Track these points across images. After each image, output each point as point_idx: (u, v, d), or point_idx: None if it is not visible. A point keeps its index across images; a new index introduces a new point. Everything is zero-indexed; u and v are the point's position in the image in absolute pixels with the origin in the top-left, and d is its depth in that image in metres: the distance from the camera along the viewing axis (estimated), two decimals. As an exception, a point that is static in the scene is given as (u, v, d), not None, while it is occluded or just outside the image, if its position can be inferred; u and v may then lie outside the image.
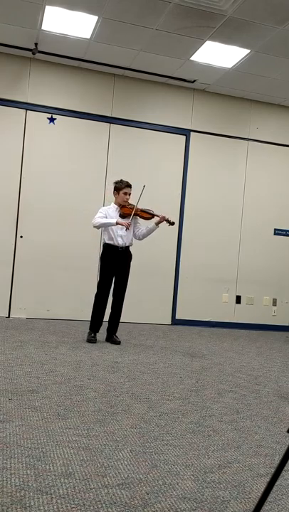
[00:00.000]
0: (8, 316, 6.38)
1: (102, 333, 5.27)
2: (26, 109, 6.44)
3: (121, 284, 5.18)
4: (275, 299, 7.52)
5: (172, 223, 5.15)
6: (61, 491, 1.94)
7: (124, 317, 6.13)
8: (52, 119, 6.55)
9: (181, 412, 3.09)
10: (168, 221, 5.11)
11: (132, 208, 5.10)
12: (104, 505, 1.86)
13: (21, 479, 2.01)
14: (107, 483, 2.05)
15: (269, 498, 2.00)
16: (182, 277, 7.08)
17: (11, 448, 2.31)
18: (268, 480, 2.19)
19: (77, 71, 6.62)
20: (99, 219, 5.03)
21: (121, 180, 5.21)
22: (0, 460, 2.17)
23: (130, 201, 5.17)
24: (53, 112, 6.55)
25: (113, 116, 6.75)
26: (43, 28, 5.52)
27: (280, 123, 7.48)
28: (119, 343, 5.15)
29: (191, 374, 4.15)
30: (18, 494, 1.88)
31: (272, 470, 2.33)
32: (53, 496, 1.89)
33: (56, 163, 6.56)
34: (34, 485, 1.97)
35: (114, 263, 5.11)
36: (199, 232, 7.14)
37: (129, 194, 5.15)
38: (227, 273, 7.29)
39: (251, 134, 7.36)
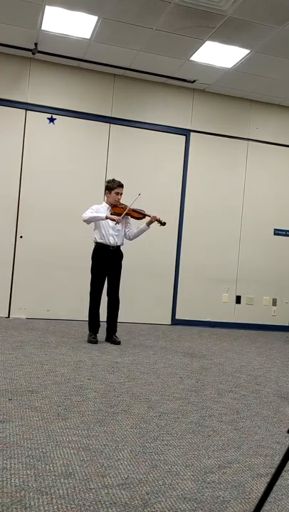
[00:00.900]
0: (8, 316, 6.38)
1: (101, 334, 5.27)
2: (26, 109, 6.44)
3: (114, 284, 5.17)
4: (275, 299, 7.52)
5: (163, 223, 5.12)
6: (61, 491, 1.94)
7: (124, 317, 6.15)
8: (52, 119, 6.55)
9: (181, 412, 3.09)
10: (159, 221, 5.09)
11: (123, 208, 5.08)
12: (104, 505, 1.86)
13: (21, 479, 2.01)
14: (107, 483, 2.05)
15: (269, 499, 2.00)
16: (182, 277, 7.08)
17: (10, 448, 2.31)
18: (268, 480, 2.19)
19: (77, 71, 6.62)
20: (89, 213, 5.02)
21: (113, 179, 5.21)
22: (0, 460, 2.17)
23: (127, 202, 5.15)
24: (53, 112, 6.55)
25: (113, 116, 6.75)
26: (43, 28, 5.52)
27: (280, 123, 7.48)
28: (119, 343, 5.15)
29: (191, 374, 4.15)
30: (18, 494, 1.88)
31: (273, 470, 2.33)
32: (53, 497, 1.89)
33: (56, 163, 6.56)
34: (34, 485, 1.97)
35: (106, 262, 5.10)
36: (199, 232, 7.14)
37: (121, 194, 5.14)
38: (227, 273, 7.29)
39: (251, 134, 7.36)
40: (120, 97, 6.78)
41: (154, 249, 6.85)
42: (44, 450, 2.32)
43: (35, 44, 5.94)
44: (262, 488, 2.12)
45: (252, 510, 1.91)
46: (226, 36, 5.36)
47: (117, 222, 4.98)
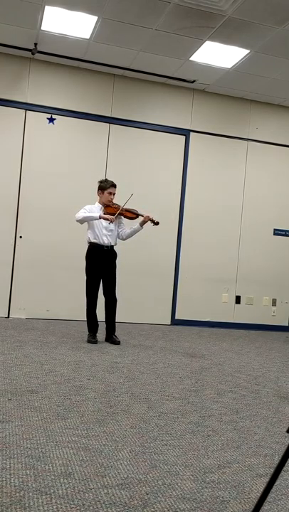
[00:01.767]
0: (8, 316, 6.38)
1: (101, 334, 5.27)
2: (26, 109, 6.44)
3: (110, 284, 5.17)
4: (275, 299, 7.52)
5: (157, 223, 5.10)
6: (60, 491, 1.94)
7: (124, 317, 6.15)
8: (51, 119, 6.55)
9: (181, 412, 3.09)
10: (152, 221, 5.08)
11: (116, 208, 5.07)
12: (103, 505, 1.86)
13: (21, 479, 2.01)
14: (106, 483, 2.05)
15: (268, 499, 2.00)
16: (182, 277, 7.08)
17: (10, 448, 2.31)
18: (267, 480, 2.19)
19: (76, 71, 6.62)
20: (82, 213, 5.02)
21: (106, 179, 5.21)
22: (-1, 460, 2.17)
23: (125, 203, 5.16)
24: (53, 112, 6.54)
25: (113, 116, 6.75)
26: (43, 28, 5.52)
27: (280, 123, 7.48)
28: (118, 343, 5.15)
29: (190, 374, 4.15)
30: (17, 494, 1.88)
31: (272, 470, 2.33)
32: (53, 496, 1.89)
33: (56, 164, 6.56)
34: (33, 485, 1.97)
35: (101, 262, 5.10)
36: (199, 232, 7.14)
37: (114, 194, 5.14)
38: (227, 273, 7.29)
39: (251, 134, 7.36)
40: (120, 97, 6.78)
41: (154, 249, 6.85)
42: (44, 450, 2.32)
43: (35, 44, 5.94)
44: (261, 488, 2.12)
45: (251, 510, 1.91)
46: (226, 36, 5.36)
47: (111, 222, 4.98)
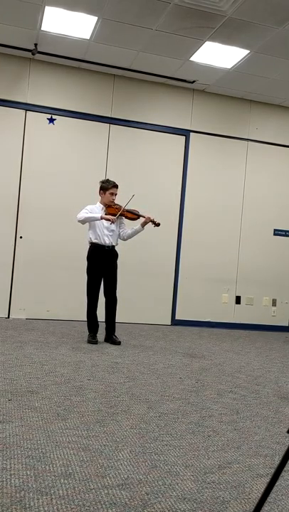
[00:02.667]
0: (8, 317, 6.38)
1: (101, 334, 5.27)
2: (26, 110, 6.44)
3: (111, 284, 5.17)
4: (275, 300, 7.52)
5: (158, 224, 5.12)
6: (61, 491, 1.94)
7: (124, 317, 6.14)
8: (51, 120, 6.55)
9: (181, 413, 3.09)
10: (153, 222, 5.09)
11: (118, 208, 5.08)
12: (104, 505, 1.86)
13: (21, 480, 2.01)
14: (106, 483, 2.05)
15: (269, 499, 2.00)
16: (182, 277, 7.08)
17: (10, 449, 2.31)
18: (267, 480, 2.19)
19: (76, 71, 6.62)
20: (84, 214, 5.02)
21: (107, 179, 5.21)
22: (0, 461, 2.17)
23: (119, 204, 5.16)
24: (53, 113, 6.55)
25: (113, 116, 6.76)
26: (43, 28, 5.52)
27: (280, 123, 7.48)
28: (119, 343, 5.15)
29: (190, 374, 4.15)
30: (17, 495, 1.88)
31: (272, 471, 2.33)
32: (53, 497, 1.89)
33: (56, 164, 6.56)
34: (34, 486, 1.97)
35: (102, 262, 5.10)
36: (199, 232, 7.14)
37: (116, 194, 5.14)
38: (227, 273, 7.29)
39: (251, 134, 7.36)
40: (120, 97, 6.78)
41: (154, 249, 6.85)
42: (44, 450, 2.32)
43: (35, 44, 5.94)
44: (262, 489, 2.12)
45: (252, 510, 1.91)
46: (226, 36, 5.36)
47: (112, 222, 4.99)
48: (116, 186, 5.14)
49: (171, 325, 7.02)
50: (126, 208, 5.09)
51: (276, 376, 4.39)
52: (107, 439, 2.54)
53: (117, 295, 5.24)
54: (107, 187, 5.11)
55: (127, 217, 5.16)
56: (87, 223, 5.10)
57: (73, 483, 2.02)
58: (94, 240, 5.10)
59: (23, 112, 6.44)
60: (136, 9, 4.94)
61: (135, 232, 5.20)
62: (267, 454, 2.56)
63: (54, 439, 2.46)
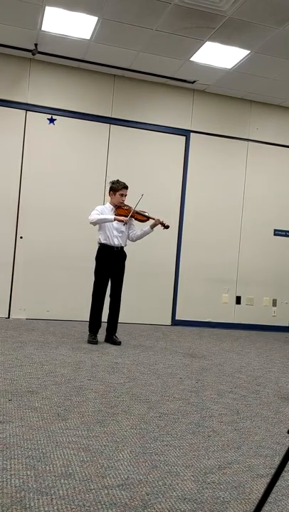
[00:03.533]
0: (8, 317, 6.38)
1: (101, 334, 5.27)
2: (26, 110, 6.44)
3: (117, 285, 5.18)
4: (275, 300, 7.52)
5: (167, 227, 5.14)
6: (61, 491, 1.94)
7: (124, 318, 6.14)
8: (52, 120, 6.55)
9: (181, 413, 3.09)
10: (163, 224, 5.11)
11: (127, 210, 5.09)
12: (104, 506, 1.86)
13: (21, 480, 2.01)
14: (107, 484, 2.05)
15: (269, 499, 2.00)
16: (182, 278, 7.08)
17: (10, 449, 2.31)
18: (268, 481, 2.19)
19: (77, 72, 6.62)
20: (96, 215, 5.03)
21: (118, 180, 5.20)
22: (0, 461, 2.17)
23: (127, 203, 5.17)
24: (53, 113, 6.55)
25: (113, 116, 6.76)
26: (43, 28, 5.52)
27: (280, 124, 7.48)
28: (119, 343, 5.15)
29: (191, 375, 4.15)
30: (18, 495, 1.88)
31: (273, 471, 2.33)
32: (53, 497, 1.89)
33: (56, 164, 6.56)
34: (34, 486, 1.97)
35: (110, 263, 5.11)
36: (199, 232, 7.14)
37: (125, 195, 5.15)
38: (227, 273, 7.29)
39: (251, 134, 7.36)
40: (120, 97, 6.78)
41: (154, 249, 6.85)
42: (44, 451, 2.32)
43: (35, 45, 5.94)
44: (262, 489, 2.12)
45: (252, 510, 1.91)
46: (226, 37, 5.36)
47: (125, 223, 5.00)
48: (126, 187, 5.14)
49: (172, 325, 7.02)
50: (135, 209, 5.10)
51: (276, 376, 4.39)
52: (107, 439, 2.54)
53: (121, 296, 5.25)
54: (118, 188, 5.12)
55: (136, 219, 5.17)
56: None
57: (73, 483, 2.02)
58: (103, 241, 5.10)
59: (23, 112, 6.44)
60: (136, 9, 4.94)
61: (144, 234, 5.21)
62: (267, 454, 2.56)
63: (54, 440, 2.46)
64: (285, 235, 7.56)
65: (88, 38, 5.66)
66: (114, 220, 4.97)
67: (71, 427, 2.65)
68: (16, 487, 1.94)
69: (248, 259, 7.37)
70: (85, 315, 5.25)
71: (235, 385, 3.92)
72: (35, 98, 6.45)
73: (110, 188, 5.19)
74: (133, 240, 5.26)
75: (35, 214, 6.46)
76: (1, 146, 6.37)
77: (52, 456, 2.27)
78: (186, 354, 5.03)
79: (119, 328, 5.47)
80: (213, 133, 7.20)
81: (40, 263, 6.48)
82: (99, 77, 6.70)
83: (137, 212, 5.13)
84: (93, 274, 5.18)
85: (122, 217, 4.98)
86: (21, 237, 6.43)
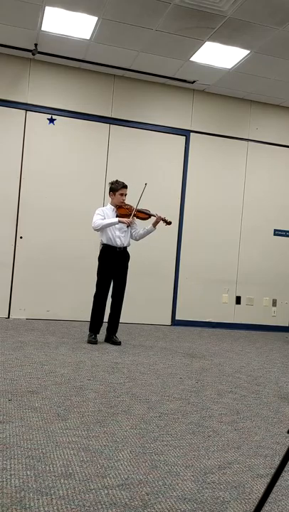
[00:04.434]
0: (8, 317, 6.38)
1: (101, 334, 5.27)
2: (26, 110, 6.44)
3: (120, 285, 5.18)
4: (275, 300, 7.52)
5: (169, 223, 5.14)
6: (61, 491, 1.94)
7: (124, 318, 6.13)
8: (52, 120, 6.55)
9: (181, 413, 3.09)
10: (165, 221, 5.11)
11: (129, 209, 5.11)
12: (104, 506, 1.86)
13: (21, 480, 2.01)
14: (107, 484, 2.05)
15: (269, 499, 2.00)
16: (182, 278, 7.08)
17: (10, 449, 2.31)
18: (268, 481, 2.19)
19: (77, 72, 6.62)
20: (100, 221, 5.01)
21: (116, 180, 5.20)
22: (0, 461, 2.17)
23: (129, 201, 5.17)
24: (53, 113, 6.55)
25: (113, 116, 6.76)
26: (43, 28, 5.52)
27: (280, 124, 7.48)
28: (119, 343, 5.14)
29: (191, 375, 4.15)
30: (18, 495, 1.88)
31: (273, 471, 2.33)
32: (53, 497, 1.89)
33: (56, 164, 6.56)
34: (34, 486, 1.97)
35: (113, 264, 5.11)
36: (199, 232, 7.14)
37: (125, 195, 5.15)
38: (227, 274, 7.29)
39: (251, 134, 7.36)
40: (120, 97, 6.78)
41: (154, 249, 6.85)
42: (44, 451, 2.32)
43: (35, 45, 5.94)
44: (262, 489, 2.12)
45: (252, 510, 1.91)
46: (226, 37, 5.36)
47: (129, 225, 5.00)
48: (125, 187, 5.15)
49: (172, 325, 7.02)
50: (137, 207, 5.10)
51: (276, 376, 4.39)
52: (107, 439, 2.54)
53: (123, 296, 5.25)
54: (117, 188, 5.12)
55: (138, 218, 5.17)
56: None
57: (73, 483, 2.02)
58: (106, 242, 5.10)
59: (23, 112, 6.44)
60: (136, 9, 4.94)
61: (147, 232, 5.21)
62: (267, 454, 2.56)
63: (54, 440, 2.46)
64: (285, 235, 7.56)
65: (88, 38, 5.66)
66: (119, 222, 4.96)
67: (71, 427, 2.65)
68: (15, 487, 1.94)
69: (248, 259, 7.37)
70: (85, 315, 5.25)
71: (235, 385, 3.92)
72: (35, 98, 6.45)
73: (110, 188, 5.19)
74: (136, 239, 5.26)
75: (35, 214, 6.46)
76: (1, 146, 6.37)
77: (52, 456, 2.27)
78: (186, 354, 5.03)
79: (119, 328, 5.47)
80: (213, 133, 7.20)
81: (40, 263, 6.48)
82: (99, 77, 6.70)
83: (139, 211, 5.14)
84: (94, 274, 5.18)
85: (125, 219, 4.97)
86: (21, 237, 6.42)
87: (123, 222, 4.97)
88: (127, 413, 2.98)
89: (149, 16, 5.03)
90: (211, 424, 2.94)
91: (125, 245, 5.15)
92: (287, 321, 7.57)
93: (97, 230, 5.08)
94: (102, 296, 5.13)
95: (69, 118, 6.61)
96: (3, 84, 6.34)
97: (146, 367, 4.27)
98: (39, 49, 6.01)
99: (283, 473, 2.28)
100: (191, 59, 6.02)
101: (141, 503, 1.91)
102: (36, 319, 6.39)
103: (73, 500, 1.88)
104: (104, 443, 2.48)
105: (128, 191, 5.21)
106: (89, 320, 5.21)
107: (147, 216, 5.18)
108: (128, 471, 2.19)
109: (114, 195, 5.14)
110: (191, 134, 7.10)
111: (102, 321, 5.16)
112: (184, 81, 6.77)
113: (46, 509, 1.80)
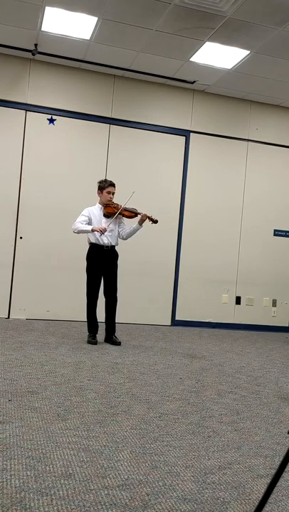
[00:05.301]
0: (8, 317, 6.38)
1: (101, 334, 5.27)
2: (26, 110, 6.44)
3: (111, 284, 5.18)
4: (275, 300, 7.51)
5: (155, 221, 5.12)
6: (61, 492, 1.94)
7: (124, 318, 6.14)
8: (52, 120, 6.55)
9: (181, 413, 3.09)
10: (151, 219, 5.10)
11: (116, 207, 5.11)
12: (104, 506, 1.86)
13: (21, 480, 2.01)
14: (107, 484, 2.04)
15: (269, 500, 2.00)
16: (182, 278, 7.08)
17: (10, 449, 2.31)
18: (268, 481, 2.19)
19: (77, 72, 6.62)
20: (78, 224, 5.04)
21: (105, 179, 5.27)
22: (0, 461, 2.17)
23: (117, 203, 5.17)
24: (53, 113, 6.54)
25: (113, 117, 6.76)
26: (43, 29, 5.52)
27: (280, 124, 7.48)
28: (119, 343, 5.14)
29: (191, 375, 4.15)
30: (18, 495, 1.88)
31: (273, 471, 2.33)
32: (53, 498, 1.89)
33: (56, 164, 6.56)
34: (34, 486, 1.97)
35: (101, 262, 5.11)
36: (199, 232, 7.14)
37: (113, 193, 5.16)
38: (227, 274, 7.29)
39: (251, 134, 7.36)
40: (120, 97, 6.78)
41: (154, 249, 6.85)
42: (44, 451, 2.32)
43: (35, 45, 5.94)
44: (262, 489, 2.12)
45: (252, 511, 1.91)
46: (226, 37, 5.36)
47: (102, 234, 4.99)
48: (113, 185, 5.17)
49: (171, 325, 7.02)
50: (125, 206, 5.10)
51: (276, 377, 4.39)
52: (107, 439, 2.54)
53: (117, 295, 5.24)
54: (104, 186, 5.15)
55: (124, 216, 5.17)
56: (88, 223, 5.09)
57: (73, 483, 2.02)
58: (93, 241, 5.11)
59: (23, 112, 6.44)
60: (136, 10, 4.94)
61: (134, 231, 5.20)
62: (267, 454, 2.55)
63: (54, 440, 2.46)
64: (285, 235, 7.56)
65: (88, 38, 5.66)
66: (93, 230, 4.96)
67: (71, 428, 2.65)
68: (16, 487, 1.94)
69: (248, 259, 7.37)
70: (85, 315, 5.25)
71: (235, 386, 3.92)
72: (35, 98, 6.45)
73: (98, 187, 5.25)
74: (124, 238, 5.26)
75: (35, 214, 6.46)
76: (1, 147, 6.37)
77: (52, 456, 2.27)
78: (186, 354, 5.03)
79: (119, 328, 5.46)
80: (213, 133, 7.20)
81: (40, 263, 6.48)
82: (99, 78, 6.70)
83: (125, 209, 5.14)
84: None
85: (99, 227, 4.96)
86: (21, 238, 6.42)
87: (96, 231, 4.97)
88: (127, 413, 2.98)
89: (149, 16, 5.03)
90: (211, 424, 2.94)
91: (112, 244, 5.15)
92: (287, 321, 7.57)
93: (74, 233, 5.11)
94: (93, 295, 5.14)
95: (69, 118, 6.61)
96: (3, 85, 6.33)
97: (146, 367, 4.27)
98: (39, 49, 6.01)
99: (284, 474, 2.28)
100: (191, 59, 6.02)
101: (141, 504, 1.90)
102: (36, 319, 6.39)
103: (73, 500, 1.88)
104: (105, 443, 2.48)
105: (126, 191, 5.20)
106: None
107: (134, 215, 5.17)
108: (128, 471, 2.19)
109: (102, 193, 5.16)
110: (191, 134, 7.10)
111: (96, 320, 5.16)
112: (184, 81, 6.77)
113: (46, 509, 1.80)
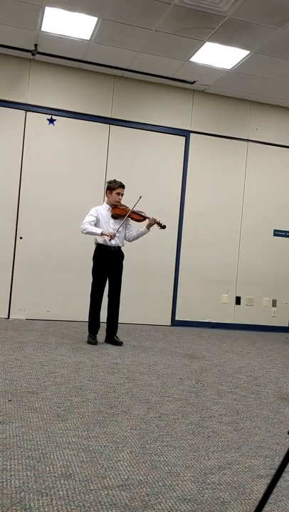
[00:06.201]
0: (8, 317, 6.38)
1: (101, 335, 5.26)
2: (26, 110, 6.44)
3: (115, 285, 5.17)
4: (275, 300, 7.52)
5: (164, 227, 5.14)
6: (61, 492, 1.94)
7: (124, 318, 6.14)
8: (52, 120, 6.55)
9: (181, 413, 3.09)
10: (159, 224, 5.11)
11: (124, 209, 5.11)
12: (104, 506, 1.86)
13: (21, 481, 2.01)
14: (107, 484, 2.04)
15: (269, 500, 2.00)
16: (182, 278, 7.08)
17: (10, 449, 2.31)
18: (268, 481, 2.19)
19: (76, 72, 6.62)
20: (87, 225, 5.00)
21: (114, 180, 5.22)
22: (0, 461, 2.17)
23: (126, 204, 5.17)
24: (53, 113, 6.55)
25: (113, 117, 6.76)
26: (43, 29, 5.52)
27: (280, 124, 7.48)
28: (120, 343, 5.14)
29: (190, 375, 4.15)
30: (18, 496, 1.88)
31: (273, 471, 2.33)
32: (53, 498, 1.89)
33: (56, 165, 6.56)
34: (34, 486, 1.96)
35: (107, 263, 5.11)
36: (199, 233, 7.14)
37: (122, 194, 5.15)
38: (227, 274, 7.29)
39: (251, 135, 7.36)
40: (120, 98, 6.78)
41: (154, 250, 6.85)
42: (44, 451, 2.32)
43: (35, 45, 5.94)
44: (262, 489, 2.12)
45: (252, 511, 1.91)
46: (226, 37, 5.36)
47: (111, 239, 4.98)
48: (123, 186, 5.15)
49: (171, 325, 7.02)
50: (133, 209, 5.10)
51: (276, 377, 4.39)
52: (107, 439, 2.54)
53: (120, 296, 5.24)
54: (114, 187, 5.13)
55: (133, 219, 5.18)
56: (94, 223, 5.07)
57: (73, 483, 2.02)
58: (100, 241, 5.10)
59: (23, 112, 6.44)
60: (136, 10, 4.94)
61: (140, 234, 5.20)
62: (267, 454, 2.55)
63: (54, 440, 2.46)
64: (285, 235, 7.56)
65: (88, 38, 5.67)
66: (102, 234, 4.94)
67: (71, 428, 2.65)
68: (15, 488, 1.94)
69: (248, 259, 7.37)
70: (85, 315, 5.25)
71: (235, 386, 3.92)
72: (35, 98, 6.45)
73: (107, 187, 5.22)
74: (129, 240, 5.26)
75: (35, 214, 6.46)
76: (1, 147, 6.37)
77: (52, 456, 2.27)
78: (185, 354, 5.03)
79: (119, 328, 5.46)
80: (213, 133, 7.20)
81: (40, 263, 6.48)
82: (99, 78, 6.70)
83: (134, 212, 5.13)
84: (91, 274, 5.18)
85: (107, 233, 4.93)
86: (21, 238, 6.42)
87: (106, 235, 4.95)
88: (127, 414, 2.98)
89: (149, 16, 5.03)
90: (211, 424, 2.94)
91: (119, 245, 5.15)
92: (287, 321, 7.57)
93: (82, 233, 5.07)
94: (98, 296, 5.13)
95: (69, 118, 6.62)
96: (3, 85, 6.34)
97: (146, 367, 4.27)
98: (39, 49, 6.01)
99: (284, 474, 2.28)
100: (191, 59, 6.02)
101: (141, 504, 1.91)
102: (36, 319, 6.39)
103: (73, 500, 1.88)
104: (105, 443, 2.48)
105: (126, 192, 5.21)
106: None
107: (142, 218, 5.18)
108: (128, 471, 2.19)
109: (111, 193, 5.14)
110: (191, 134, 7.10)
111: (99, 321, 5.16)
112: (184, 81, 6.77)
113: (46, 510, 1.80)
